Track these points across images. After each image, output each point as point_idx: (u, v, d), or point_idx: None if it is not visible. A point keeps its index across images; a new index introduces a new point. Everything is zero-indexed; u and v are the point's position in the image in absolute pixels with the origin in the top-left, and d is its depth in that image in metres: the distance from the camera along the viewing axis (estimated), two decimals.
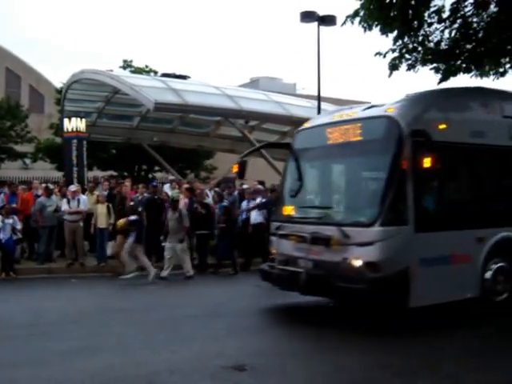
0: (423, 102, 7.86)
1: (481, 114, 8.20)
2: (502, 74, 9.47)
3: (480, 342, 6.85)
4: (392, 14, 8.78)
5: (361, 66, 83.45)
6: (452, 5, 8.95)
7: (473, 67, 9.29)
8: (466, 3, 8.95)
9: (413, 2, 8.78)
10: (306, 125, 9.13)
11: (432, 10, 8.99)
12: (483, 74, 9.42)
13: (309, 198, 8.84)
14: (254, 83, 38.33)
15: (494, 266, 8.02)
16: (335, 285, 7.36)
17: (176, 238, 11.85)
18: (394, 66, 9.30)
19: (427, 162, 7.05)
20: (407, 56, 9.32)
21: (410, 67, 9.39)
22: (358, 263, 7.24)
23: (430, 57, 9.25)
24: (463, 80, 9.51)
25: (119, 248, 12.01)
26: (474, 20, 9.02)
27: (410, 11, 8.82)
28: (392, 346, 6.68)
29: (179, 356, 6.31)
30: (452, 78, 9.39)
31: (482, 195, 8.13)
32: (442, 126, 7.60)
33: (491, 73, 9.44)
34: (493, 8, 8.85)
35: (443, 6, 8.98)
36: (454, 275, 7.55)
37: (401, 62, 9.30)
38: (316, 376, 5.68)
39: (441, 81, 9.53)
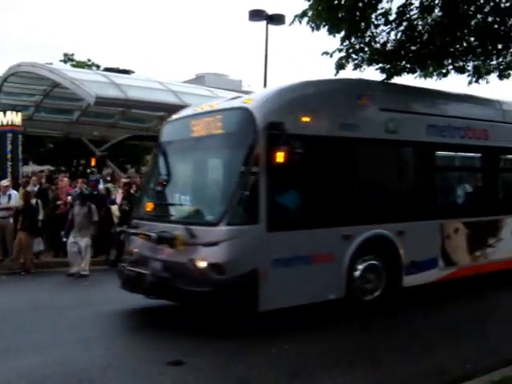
0: (287, 93, 7.43)
1: (353, 106, 7.91)
2: (445, 75, 9.64)
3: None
4: (340, 15, 8.80)
5: (309, 65, 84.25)
6: (398, 8, 9.05)
7: (417, 68, 9.44)
8: (412, 7, 9.09)
9: (360, 5, 8.84)
10: (174, 116, 8.60)
11: (379, 12, 9.06)
12: (427, 74, 9.58)
13: (164, 195, 8.15)
14: (199, 79, 37.82)
15: (364, 265, 7.63)
16: (179, 288, 6.79)
17: (82, 234, 11.31)
18: (340, 66, 9.29)
19: (280, 157, 6.56)
20: (354, 56, 9.34)
21: (357, 67, 9.40)
22: (202, 264, 6.68)
23: (376, 57, 9.32)
24: (408, 80, 9.66)
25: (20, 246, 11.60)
26: (419, 23, 9.13)
27: (358, 13, 8.86)
28: (319, 337, 6.62)
29: (113, 352, 6.09)
30: (396, 78, 9.52)
31: (350, 191, 7.68)
32: (306, 119, 7.22)
33: (435, 73, 9.61)
34: (437, 12, 9.00)
35: (390, 9, 9.06)
36: (315, 276, 7.11)
37: (347, 62, 9.30)
38: (250, 370, 5.55)
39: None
